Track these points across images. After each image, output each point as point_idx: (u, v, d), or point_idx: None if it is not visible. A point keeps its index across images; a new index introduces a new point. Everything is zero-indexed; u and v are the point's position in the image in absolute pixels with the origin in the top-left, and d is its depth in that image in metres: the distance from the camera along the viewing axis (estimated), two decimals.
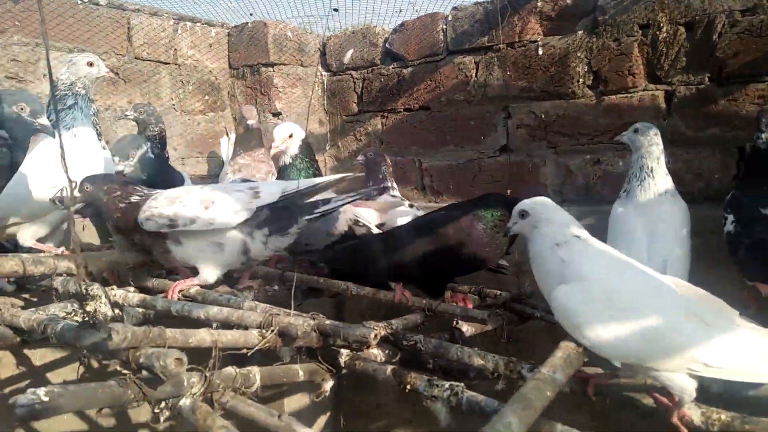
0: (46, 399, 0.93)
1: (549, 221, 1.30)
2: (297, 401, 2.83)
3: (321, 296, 2.13)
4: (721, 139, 2.16)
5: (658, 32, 2.24)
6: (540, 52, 2.54)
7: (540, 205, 1.34)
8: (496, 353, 1.42)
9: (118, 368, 1.09)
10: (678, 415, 1.15)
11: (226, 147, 3.31)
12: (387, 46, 3.09)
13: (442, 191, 2.95)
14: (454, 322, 1.73)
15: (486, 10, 2.68)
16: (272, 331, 1.28)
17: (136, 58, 2.99)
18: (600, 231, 1.79)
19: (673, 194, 1.79)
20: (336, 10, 3.09)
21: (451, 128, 2.89)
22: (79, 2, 2.79)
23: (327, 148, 3.40)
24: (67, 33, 2.75)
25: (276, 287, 2.00)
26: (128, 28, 2.96)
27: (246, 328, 1.33)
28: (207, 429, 1.08)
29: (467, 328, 1.74)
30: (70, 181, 1.21)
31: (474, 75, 2.78)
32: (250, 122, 2.68)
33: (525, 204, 1.36)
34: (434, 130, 2.96)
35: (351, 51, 3.24)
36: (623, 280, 1.21)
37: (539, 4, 2.54)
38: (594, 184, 2.46)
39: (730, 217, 1.67)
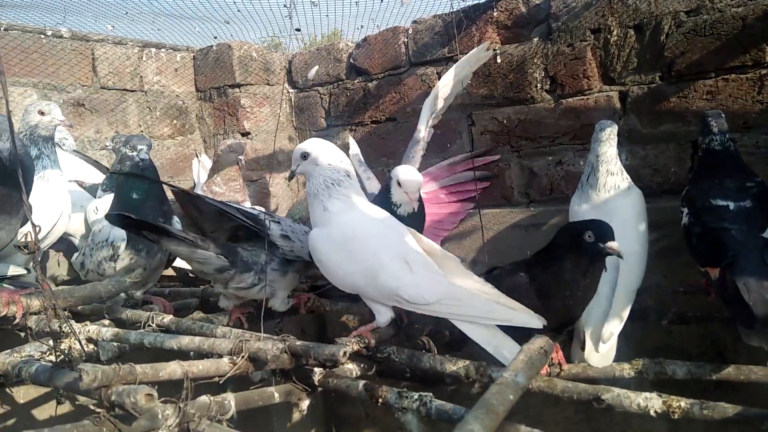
0: None
1: (323, 162, 1.57)
2: (286, 418, 2.86)
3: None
4: (675, 135, 2.24)
5: (609, 36, 2.31)
6: (498, 60, 2.60)
7: (317, 145, 1.61)
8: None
9: (91, 407, 1.12)
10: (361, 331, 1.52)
11: (197, 169, 3.33)
12: (351, 61, 3.14)
13: None
14: (425, 331, 1.77)
15: (445, 22, 2.74)
16: (243, 357, 1.31)
17: (102, 87, 3.00)
18: None
19: (629, 187, 1.84)
20: (298, 30, 3.14)
21: None
22: (43, 36, 2.80)
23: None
24: (32, 68, 2.76)
25: (251, 309, 2.03)
26: (93, 58, 2.97)
27: (216, 355, 1.36)
28: None
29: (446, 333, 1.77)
30: (34, 226, 1.24)
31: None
32: (240, 158, 2.69)
33: (305, 144, 1.61)
34: (402, 140, 3.00)
35: (316, 67, 3.28)
36: (361, 229, 1.53)
37: (495, 14, 2.60)
38: (558, 184, 2.52)
39: (685, 210, 1.73)
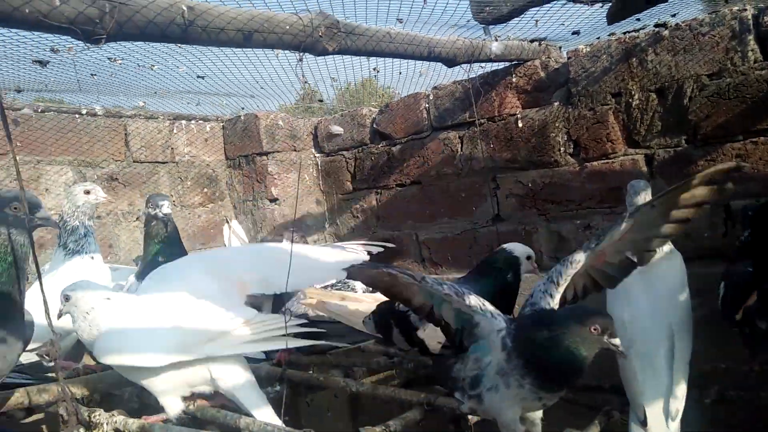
0: None
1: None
2: None
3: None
4: None
5: (630, 99, 2.29)
6: (519, 124, 2.61)
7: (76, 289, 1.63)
8: None
9: None
10: None
11: (228, 235, 3.38)
12: (375, 126, 3.19)
13: (441, 263, 2.98)
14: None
15: (465, 88, 2.77)
16: None
17: (134, 161, 3.11)
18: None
19: (671, 251, 1.76)
20: (321, 101, 3.21)
21: (443, 201, 2.94)
22: (78, 116, 2.94)
23: (326, 226, 3.46)
24: (67, 146, 2.88)
25: (278, 388, 2.02)
26: (125, 134, 3.09)
27: None
28: None
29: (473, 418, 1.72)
30: (54, 333, 1.27)
31: (459, 149, 2.85)
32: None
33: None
34: (427, 203, 3.01)
35: (339, 128, 3.33)
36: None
37: (514, 79, 2.62)
38: None
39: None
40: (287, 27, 1.66)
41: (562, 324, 1.26)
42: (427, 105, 2.96)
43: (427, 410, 1.70)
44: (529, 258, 1.92)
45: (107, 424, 1.61)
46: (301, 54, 1.76)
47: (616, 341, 1.24)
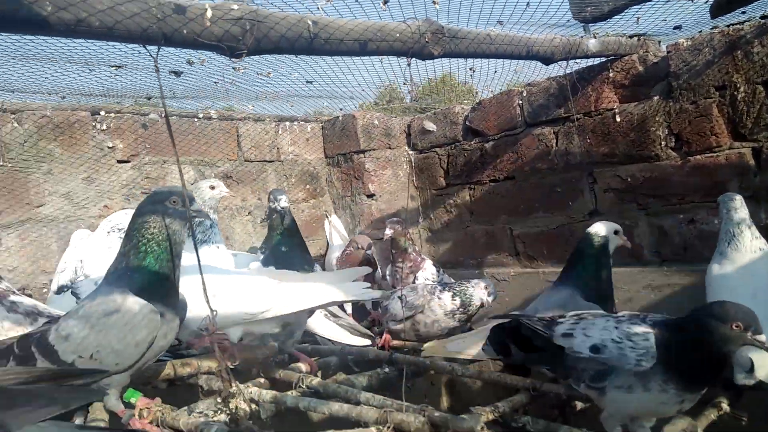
0: None
1: None
2: None
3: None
4: None
5: (735, 92, 2.26)
6: (617, 119, 2.62)
7: None
8: None
9: None
10: None
11: (329, 230, 3.59)
12: (467, 123, 3.28)
13: (536, 257, 3.03)
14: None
15: (559, 84, 2.81)
16: (388, 427, 1.44)
17: (245, 160, 3.38)
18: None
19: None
20: (416, 100, 3.34)
21: (537, 196, 2.99)
22: (196, 119, 3.23)
23: (420, 221, 3.59)
24: (188, 147, 3.18)
25: (387, 370, 2.17)
26: (237, 135, 3.37)
27: (360, 424, 1.50)
28: None
29: (578, 404, 1.79)
30: (212, 310, 1.47)
31: (554, 144, 2.89)
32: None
33: None
34: (521, 198, 3.07)
35: (432, 124, 3.45)
36: None
37: (611, 74, 2.63)
38: (692, 244, 2.45)
39: None
40: (397, 35, 1.79)
41: (704, 324, 1.28)
42: (520, 101, 3.01)
43: (533, 395, 1.79)
44: (616, 232, 1.99)
45: (243, 394, 1.81)
46: (409, 59, 1.89)
47: (762, 338, 1.25)
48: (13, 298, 1.96)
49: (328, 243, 3.54)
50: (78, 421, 1.70)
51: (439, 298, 2.30)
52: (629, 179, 2.62)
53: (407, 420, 1.45)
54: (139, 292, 1.44)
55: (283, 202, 2.34)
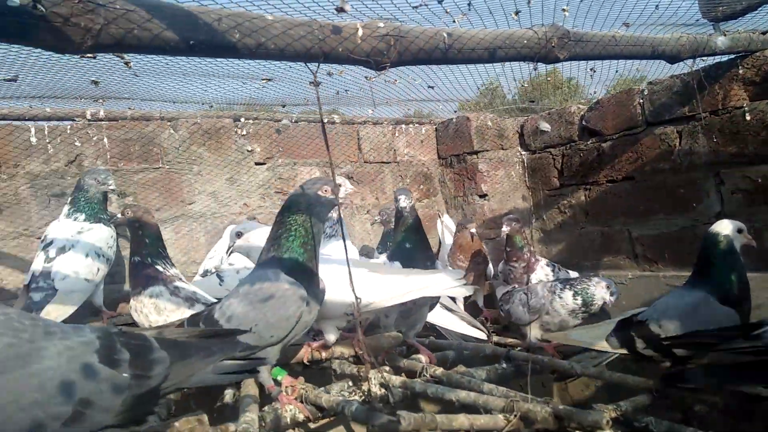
0: None
1: None
2: None
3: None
4: None
5: None
6: (747, 117, 2.52)
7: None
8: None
9: None
10: None
11: (441, 229, 3.72)
12: (584, 123, 3.27)
13: (656, 260, 2.97)
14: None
15: (684, 82, 2.74)
16: (515, 416, 1.54)
17: (365, 162, 3.59)
18: None
19: None
20: (533, 101, 3.37)
21: (658, 197, 2.93)
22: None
23: (532, 221, 3.62)
24: (314, 150, 3.44)
25: (504, 365, 2.25)
26: (358, 138, 3.58)
27: (488, 411, 1.61)
28: None
29: (699, 407, 1.79)
30: (357, 297, 1.64)
31: (678, 144, 2.82)
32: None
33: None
34: (641, 199, 3.02)
35: (547, 125, 3.46)
36: None
37: (741, 71, 2.53)
38: None
39: None
40: (525, 41, 1.88)
41: None
42: (641, 100, 2.97)
43: (655, 396, 1.80)
44: (740, 231, 1.94)
45: (374, 378, 1.98)
46: (535, 64, 1.97)
47: None
48: (177, 284, 2.27)
49: (440, 241, 3.67)
50: (229, 394, 1.96)
51: (561, 297, 2.35)
52: (760, 180, 2.51)
53: (533, 410, 1.53)
54: (288, 273, 1.64)
55: (403, 201, 2.48)
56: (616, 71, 2.83)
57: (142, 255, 2.24)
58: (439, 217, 3.76)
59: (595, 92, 3.26)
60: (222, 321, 1.67)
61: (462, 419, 1.50)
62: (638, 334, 2.03)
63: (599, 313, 2.41)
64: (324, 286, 1.84)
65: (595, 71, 2.83)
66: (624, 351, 2.08)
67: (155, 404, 1.21)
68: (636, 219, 3.05)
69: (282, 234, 1.70)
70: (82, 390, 1.04)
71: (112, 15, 1.09)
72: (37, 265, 2.36)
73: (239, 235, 2.42)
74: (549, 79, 4.00)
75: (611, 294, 2.31)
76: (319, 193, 1.70)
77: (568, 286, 2.36)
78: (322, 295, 1.83)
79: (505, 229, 2.66)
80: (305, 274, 1.68)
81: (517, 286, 2.73)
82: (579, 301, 2.31)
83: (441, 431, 1.43)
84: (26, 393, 0.98)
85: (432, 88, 2.84)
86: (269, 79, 2.34)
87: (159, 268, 2.26)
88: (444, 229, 3.66)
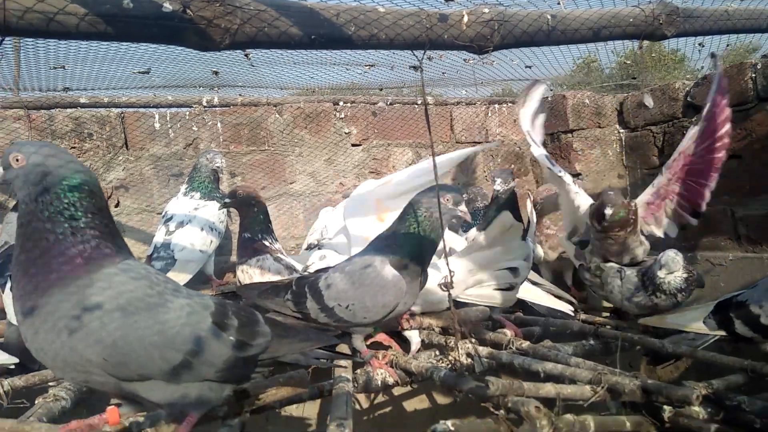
0: (452, 428, 1.40)
1: None
2: None
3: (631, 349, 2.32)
4: None
5: None
6: None
7: None
8: None
9: (491, 409, 1.53)
10: None
11: (530, 207, 3.71)
12: (689, 99, 3.14)
13: (761, 241, 2.82)
14: None
15: None
16: (603, 387, 1.58)
17: (457, 142, 3.65)
18: None
19: None
20: (634, 78, 3.27)
21: (766, 175, 2.78)
22: (415, 105, 3.57)
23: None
24: (407, 131, 3.54)
25: (591, 342, 2.27)
26: (451, 119, 3.65)
27: (575, 382, 1.66)
28: None
29: None
30: (450, 271, 1.74)
31: None
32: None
33: None
34: (748, 178, 2.87)
35: (650, 98, 3.34)
36: None
37: None
38: None
39: None
40: (631, 20, 1.87)
41: None
42: (753, 74, 2.80)
43: (750, 376, 1.77)
44: None
45: (461, 347, 2.06)
46: (641, 41, 1.94)
47: None
48: (279, 255, 2.49)
49: (529, 220, 3.66)
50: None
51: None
52: None
53: (621, 382, 1.57)
54: (395, 264, 1.73)
55: (499, 185, 2.55)
56: (727, 45, 2.69)
57: (254, 231, 2.44)
58: (529, 197, 3.75)
59: (702, 67, 3.10)
60: (323, 290, 1.83)
61: (549, 387, 1.56)
62: (737, 315, 1.98)
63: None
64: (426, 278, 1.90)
65: (703, 45, 2.70)
66: (722, 332, 2.04)
67: (252, 370, 1.38)
68: (741, 198, 2.90)
69: (401, 227, 1.77)
70: (193, 342, 1.22)
71: (246, 15, 1.25)
72: (159, 237, 2.66)
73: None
74: (653, 54, 3.85)
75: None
76: (443, 201, 1.72)
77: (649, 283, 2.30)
78: (425, 284, 1.90)
79: (608, 211, 2.50)
80: (411, 270, 1.75)
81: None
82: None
83: (528, 396, 1.50)
84: (149, 334, 1.16)
85: (530, 68, 2.85)
86: (372, 65, 2.47)
87: (266, 243, 2.47)
88: (533, 210, 3.65)
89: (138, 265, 1.26)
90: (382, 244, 1.80)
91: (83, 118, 2.96)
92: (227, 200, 2.49)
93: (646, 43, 2.03)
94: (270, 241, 2.48)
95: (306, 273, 2.26)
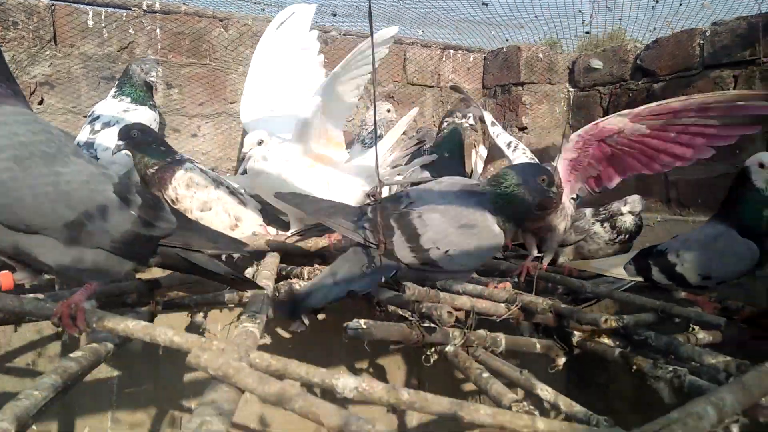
0: (365, 327, 1.37)
1: None
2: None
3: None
4: None
5: None
6: None
7: None
8: None
9: (406, 315, 1.51)
10: None
11: (474, 158, 3.71)
12: (638, 62, 3.17)
13: (688, 205, 2.92)
14: (690, 328, 1.80)
15: (750, 24, 2.61)
16: (516, 305, 1.59)
17: (408, 83, 3.58)
18: None
19: None
20: (588, 32, 3.27)
21: None
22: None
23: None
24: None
25: (516, 280, 2.30)
26: (404, 59, 3.56)
27: (496, 300, 1.66)
28: (466, 368, 1.45)
29: (703, 336, 1.79)
30: (380, 181, 1.70)
31: (732, 89, 2.71)
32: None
33: None
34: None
35: (599, 62, 3.36)
36: None
37: None
38: None
39: None
40: None
41: None
42: (701, 41, 2.85)
43: (661, 316, 1.82)
44: (762, 165, 1.89)
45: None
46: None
47: None
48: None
49: (472, 170, 3.67)
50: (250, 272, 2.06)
51: (602, 225, 2.40)
52: None
53: (535, 302, 1.59)
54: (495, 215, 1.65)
55: (458, 118, 2.57)
56: (680, 4, 2.70)
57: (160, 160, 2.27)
58: (475, 146, 3.75)
59: (654, 28, 3.13)
60: (419, 227, 1.65)
61: (464, 299, 1.56)
62: (655, 262, 2.05)
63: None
64: None
65: (657, 1, 2.71)
66: (639, 279, 2.10)
67: (152, 253, 1.31)
68: None
69: (498, 185, 1.66)
70: (90, 204, 1.15)
71: None
72: (82, 136, 2.50)
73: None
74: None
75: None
76: (537, 180, 1.67)
77: (606, 215, 2.39)
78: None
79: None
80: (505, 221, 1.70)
81: None
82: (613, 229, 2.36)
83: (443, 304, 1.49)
84: (41, 183, 1.08)
85: (486, 5, 2.79)
86: None
87: (178, 157, 2.33)
88: (478, 160, 3.65)
89: (39, 118, 1.16)
90: (484, 196, 1.68)
91: (9, 4, 2.71)
92: (120, 142, 2.18)
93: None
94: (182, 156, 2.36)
95: (372, 200, 2.07)
